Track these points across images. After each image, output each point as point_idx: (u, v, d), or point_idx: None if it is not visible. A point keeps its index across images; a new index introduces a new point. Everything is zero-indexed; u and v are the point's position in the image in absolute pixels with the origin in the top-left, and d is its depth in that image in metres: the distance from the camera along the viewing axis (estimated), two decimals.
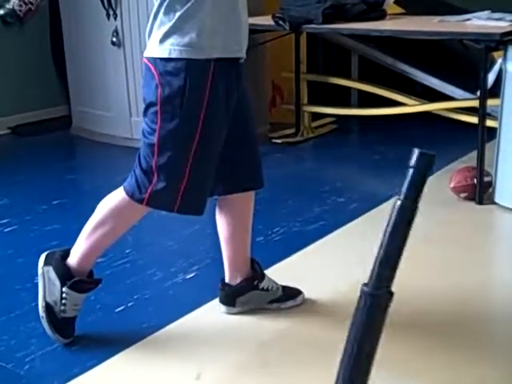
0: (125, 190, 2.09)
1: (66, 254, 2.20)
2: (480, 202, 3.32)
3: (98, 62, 4.54)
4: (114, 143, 4.49)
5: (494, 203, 3.31)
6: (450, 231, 3.08)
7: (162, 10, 1.91)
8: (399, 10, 4.68)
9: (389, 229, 1.32)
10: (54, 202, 3.54)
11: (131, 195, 2.06)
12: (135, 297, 2.51)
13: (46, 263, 2.20)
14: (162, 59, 1.93)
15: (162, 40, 1.92)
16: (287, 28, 3.96)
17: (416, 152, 1.28)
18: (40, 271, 2.21)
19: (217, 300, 2.43)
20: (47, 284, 2.18)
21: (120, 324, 2.34)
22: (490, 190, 3.36)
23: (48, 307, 2.17)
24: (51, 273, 2.18)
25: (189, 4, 1.88)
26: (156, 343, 2.22)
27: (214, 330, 2.29)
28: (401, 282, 2.73)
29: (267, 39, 4.43)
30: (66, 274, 2.16)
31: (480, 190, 3.32)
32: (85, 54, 4.63)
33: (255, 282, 2.32)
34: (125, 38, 4.36)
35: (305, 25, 3.96)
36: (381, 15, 4.07)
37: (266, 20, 4.10)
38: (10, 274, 2.75)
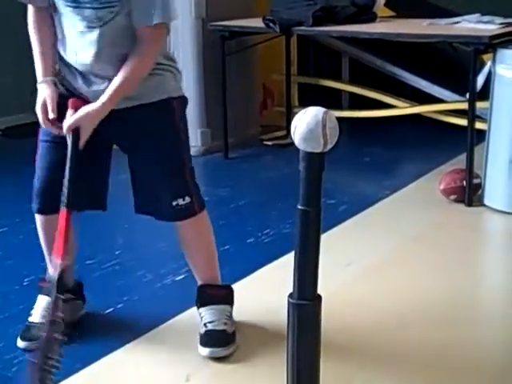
0: None
1: None
2: (469, 204, 3.33)
3: None
4: None
5: (483, 205, 3.32)
6: (439, 233, 3.09)
7: None
8: (390, 12, 4.70)
9: (298, 238, 1.30)
10: None
11: None
12: (124, 298, 2.50)
13: None
14: None
15: None
16: (277, 30, 3.96)
17: (302, 152, 1.26)
18: None
19: None
20: None
21: (109, 326, 2.34)
22: (480, 192, 3.37)
23: None
24: None
25: None
26: (145, 345, 2.21)
27: None
28: (389, 283, 2.76)
29: (258, 41, 4.44)
30: None
31: (469, 192, 3.33)
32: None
33: (197, 304, 2.26)
34: None
35: (295, 27, 3.97)
36: (371, 18, 4.09)
37: (257, 22, 4.11)
38: None
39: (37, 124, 2.18)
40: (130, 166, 2.18)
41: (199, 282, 2.27)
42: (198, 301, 2.25)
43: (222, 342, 2.12)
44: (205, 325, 2.18)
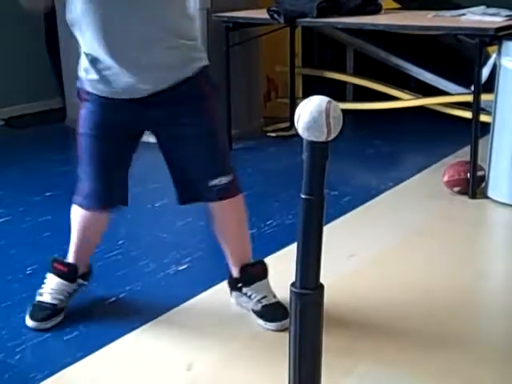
0: None
1: None
2: (473, 196, 3.33)
3: None
4: None
5: (487, 197, 3.32)
6: (443, 225, 3.08)
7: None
8: (395, 4, 4.68)
9: (301, 227, 1.29)
10: (47, 194, 3.54)
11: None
12: (127, 288, 2.51)
13: None
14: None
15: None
16: (282, 21, 3.95)
17: (305, 141, 1.26)
18: None
19: (208, 291, 2.44)
20: None
21: (112, 315, 2.34)
22: (483, 184, 3.37)
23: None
24: None
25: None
26: (147, 334, 2.22)
27: (205, 321, 2.29)
28: (392, 274, 2.76)
29: (262, 33, 4.43)
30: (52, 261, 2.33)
31: (473, 185, 3.33)
32: (79, 46, 4.61)
33: (239, 285, 2.29)
34: None
35: (299, 18, 3.95)
36: (376, 9, 4.07)
37: (261, 13, 4.09)
38: (1, 264, 2.74)
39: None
40: (166, 153, 2.16)
41: (236, 264, 2.28)
42: (242, 281, 2.28)
43: (285, 312, 2.14)
44: (259, 301, 2.25)
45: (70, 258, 2.32)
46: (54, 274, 2.32)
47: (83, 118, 2.14)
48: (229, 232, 2.27)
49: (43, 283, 2.31)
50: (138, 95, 2.05)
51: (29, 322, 2.23)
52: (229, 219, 2.24)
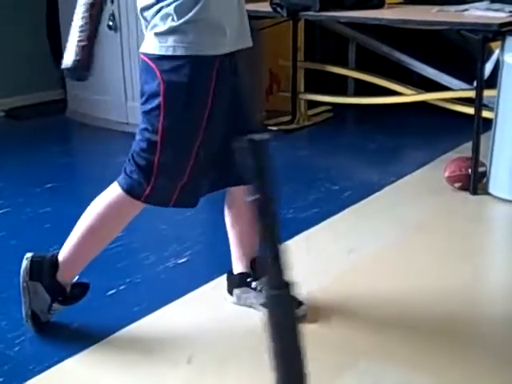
0: (121, 186, 2.02)
1: (55, 265, 2.13)
2: (474, 192, 3.32)
3: None
4: (108, 127, 4.48)
5: (488, 194, 3.31)
6: (444, 221, 3.08)
7: (165, 6, 1.85)
8: None
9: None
10: (48, 185, 3.53)
11: (129, 192, 2.01)
12: (127, 280, 2.51)
13: (33, 278, 2.14)
14: (165, 57, 1.87)
15: (165, 37, 1.86)
16: (284, 15, 3.94)
17: None
18: (24, 284, 2.15)
19: (208, 285, 2.44)
20: (33, 297, 2.14)
21: (111, 307, 2.34)
22: (484, 180, 3.36)
23: (34, 315, 2.14)
24: (40, 289, 2.13)
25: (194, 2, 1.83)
26: (147, 327, 2.22)
27: (205, 314, 2.29)
28: (391, 270, 2.75)
29: (265, 26, 4.41)
30: (57, 291, 2.14)
31: (474, 180, 3.32)
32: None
33: (248, 279, 2.28)
34: (121, 22, 4.33)
35: (302, 12, 3.94)
36: (379, 4, 4.06)
37: (264, 6, 4.08)
38: (2, 255, 2.74)
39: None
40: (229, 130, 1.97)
41: (247, 255, 2.26)
42: (254, 275, 2.26)
43: (297, 300, 2.20)
44: None
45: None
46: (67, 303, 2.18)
47: None
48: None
49: (51, 310, 2.16)
50: None
51: (35, 329, 2.17)
52: None
